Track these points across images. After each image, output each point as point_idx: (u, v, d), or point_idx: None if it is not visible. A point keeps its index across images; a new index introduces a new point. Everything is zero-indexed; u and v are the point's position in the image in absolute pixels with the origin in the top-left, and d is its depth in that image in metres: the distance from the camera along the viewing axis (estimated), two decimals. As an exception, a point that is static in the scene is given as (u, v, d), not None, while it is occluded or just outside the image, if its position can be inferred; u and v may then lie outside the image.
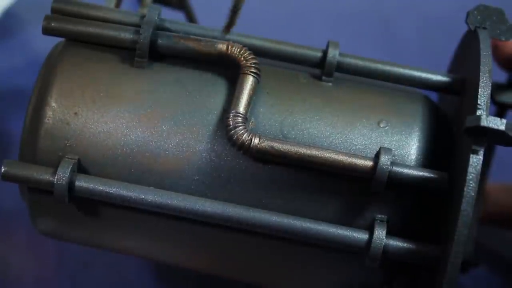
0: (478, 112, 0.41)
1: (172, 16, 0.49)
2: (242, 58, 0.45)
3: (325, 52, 0.47)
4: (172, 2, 0.62)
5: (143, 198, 0.44)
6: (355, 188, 0.44)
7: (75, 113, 0.45)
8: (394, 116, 0.45)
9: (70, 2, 0.47)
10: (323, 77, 0.47)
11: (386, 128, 0.45)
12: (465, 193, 0.40)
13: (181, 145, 0.44)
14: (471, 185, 0.40)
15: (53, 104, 0.45)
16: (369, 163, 0.43)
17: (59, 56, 0.46)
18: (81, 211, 0.46)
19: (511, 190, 0.61)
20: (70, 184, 0.43)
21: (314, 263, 0.46)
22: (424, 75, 0.47)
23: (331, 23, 0.76)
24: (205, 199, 0.44)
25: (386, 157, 0.43)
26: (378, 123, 0.45)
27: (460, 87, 0.47)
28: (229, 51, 0.45)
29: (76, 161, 0.44)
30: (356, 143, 0.45)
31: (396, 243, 0.43)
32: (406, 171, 0.43)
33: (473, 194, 0.40)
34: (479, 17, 0.46)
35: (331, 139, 0.45)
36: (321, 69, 0.47)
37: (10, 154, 0.63)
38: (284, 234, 0.43)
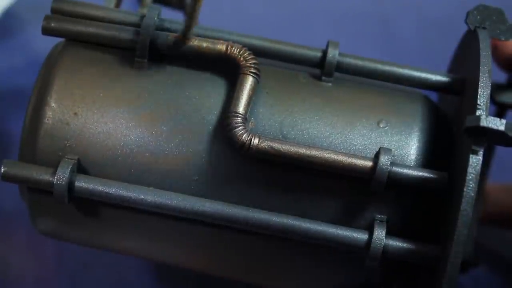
0: (478, 112, 0.41)
1: (172, 16, 0.49)
2: (241, 58, 0.45)
3: (325, 52, 0.47)
4: (172, 2, 0.62)
5: (143, 199, 0.44)
6: (354, 188, 0.44)
7: (75, 113, 0.45)
8: (393, 116, 0.45)
9: (70, 2, 0.47)
10: (323, 77, 0.47)
11: (386, 128, 0.45)
12: (464, 193, 0.40)
13: (180, 145, 0.44)
14: (471, 185, 0.40)
15: (53, 104, 0.45)
16: (369, 163, 0.43)
17: (59, 56, 0.46)
18: (81, 211, 0.46)
19: (511, 190, 0.61)
20: (70, 184, 0.43)
21: (314, 263, 0.46)
22: (424, 75, 0.47)
23: (331, 23, 0.76)
24: (205, 199, 0.44)
25: (386, 157, 0.43)
26: (378, 123, 0.45)
27: (460, 87, 0.47)
28: (228, 51, 0.45)
29: (75, 161, 0.44)
30: (356, 143, 0.45)
31: (396, 243, 0.43)
32: (405, 171, 0.43)
33: (472, 194, 0.40)
34: (478, 17, 0.46)
35: (330, 139, 0.45)
36: (321, 69, 0.47)
37: (10, 154, 0.63)
38: (284, 234, 0.43)
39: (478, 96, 0.41)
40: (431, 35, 0.75)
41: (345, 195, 0.44)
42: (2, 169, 0.44)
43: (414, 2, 0.77)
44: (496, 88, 0.55)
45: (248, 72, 0.44)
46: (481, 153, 0.40)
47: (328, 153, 0.43)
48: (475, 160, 0.40)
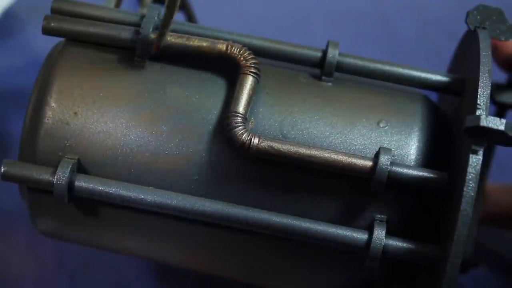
0: (478, 112, 0.41)
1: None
2: (242, 58, 0.45)
3: (325, 52, 0.47)
4: (172, 2, 0.61)
5: (143, 198, 0.44)
6: (354, 188, 0.44)
7: (75, 113, 0.45)
8: (393, 116, 0.45)
9: (70, 2, 0.47)
10: (323, 77, 0.47)
11: (386, 128, 0.45)
12: (464, 193, 0.40)
13: (180, 145, 0.44)
14: (471, 185, 0.40)
15: (53, 104, 0.45)
16: (369, 163, 0.43)
17: (59, 56, 0.46)
18: (81, 211, 0.46)
19: (511, 190, 0.61)
20: (70, 184, 0.43)
21: (314, 263, 0.46)
22: (423, 75, 0.47)
23: (331, 23, 0.76)
24: (205, 199, 0.44)
25: (386, 157, 0.43)
26: (378, 123, 0.45)
27: (460, 87, 0.47)
28: (229, 51, 0.45)
29: (75, 161, 0.44)
30: (356, 143, 0.45)
31: (396, 243, 0.43)
32: (405, 171, 0.43)
33: (472, 194, 0.40)
34: (478, 17, 0.46)
35: (330, 139, 0.45)
36: (321, 69, 0.47)
37: (10, 154, 0.63)
38: (284, 234, 0.43)
39: (478, 96, 0.41)
40: (431, 35, 0.75)
41: (345, 195, 0.44)
42: (2, 169, 0.44)
43: (414, 2, 0.77)
44: (496, 88, 0.55)
45: (248, 72, 0.44)
46: (481, 153, 0.40)
47: (328, 153, 0.43)
48: (475, 160, 0.40)
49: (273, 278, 0.49)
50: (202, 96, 0.45)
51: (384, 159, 0.42)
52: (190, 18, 0.63)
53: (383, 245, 0.43)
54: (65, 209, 0.46)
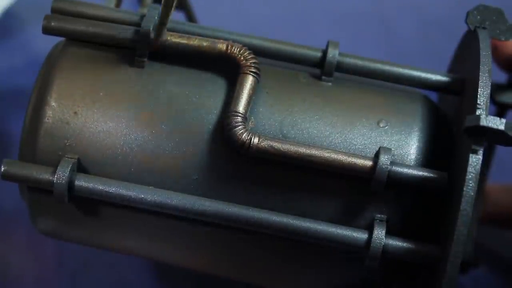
0: (478, 112, 0.41)
1: (172, 16, 0.49)
2: (242, 58, 0.45)
3: (325, 52, 0.47)
4: (172, 2, 0.62)
5: (143, 198, 0.44)
6: (354, 187, 0.44)
7: (75, 113, 0.45)
8: (393, 115, 0.45)
9: (70, 2, 0.47)
10: (323, 77, 0.47)
11: (386, 127, 0.45)
12: (464, 192, 0.40)
13: (180, 144, 0.44)
14: (471, 185, 0.40)
15: (53, 104, 0.45)
16: (369, 163, 0.43)
17: (59, 56, 0.46)
18: (81, 211, 0.46)
19: (511, 190, 0.61)
20: (70, 184, 0.43)
21: (314, 263, 0.46)
22: (423, 75, 0.47)
23: (331, 23, 0.76)
24: (205, 199, 0.44)
25: (386, 156, 0.43)
26: (378, 123, 0.45)
27: (460, 87, 0.47)
28: (229, 51, 0.45)
29: (75, 160, 0.44)
30: (356, 143, 0.45)
31: (396, 242, 0.43)
32: (405, 170, 0.43)
33: (472, 193, 0.40)
34: (478, 17, 0.46)
35: (330, 138, 0.45)
36: (321, 69, 0.47)
37: (10, 154, 0.63)
38: (284, 233, 0.43)
39: (478, 96, 0.41)
40: (431, 35, 0.75)
41: (345, 195, 0.44)
42: (2, 168, 0.44)
43: (414, 2, 0.77)
44: (496, 88, 0.55)
45: (248, 72, 0.44)
46: (481, 152, 0.40)
47: (328, 153, 0.43)
48: (475, 160, 0.40)
49: (273, 278, 0.48)
50: (202, 96, 0.45)
51: (384, 159, 0.43)
52: (190, 18, 0.63)
53: (383, 245, 0.43)
54: (65, 208, 0.46)
